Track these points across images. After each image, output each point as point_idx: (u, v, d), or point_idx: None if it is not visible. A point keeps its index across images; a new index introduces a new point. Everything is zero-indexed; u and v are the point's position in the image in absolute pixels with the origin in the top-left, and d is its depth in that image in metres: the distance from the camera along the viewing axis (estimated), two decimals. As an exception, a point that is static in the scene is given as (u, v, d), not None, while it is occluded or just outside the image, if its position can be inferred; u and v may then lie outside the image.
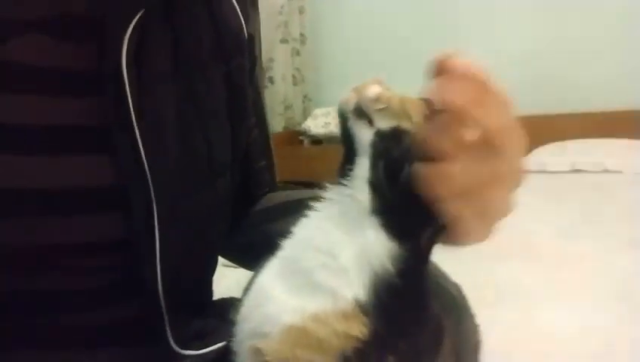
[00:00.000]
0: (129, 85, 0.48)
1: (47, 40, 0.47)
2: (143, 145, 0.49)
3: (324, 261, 0.37)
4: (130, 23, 0.48)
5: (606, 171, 2.20)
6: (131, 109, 0.48)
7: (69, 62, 0.48)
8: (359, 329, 0.35)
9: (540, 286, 1.04)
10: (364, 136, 0.38)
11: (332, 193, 0.39)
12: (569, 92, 2.68)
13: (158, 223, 0.50)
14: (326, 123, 3.15)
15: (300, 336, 0.35)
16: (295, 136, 3.34)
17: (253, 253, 0.68)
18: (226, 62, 0.59)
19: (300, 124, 3.38)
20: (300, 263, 0.38)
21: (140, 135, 0.49)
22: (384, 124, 0.37)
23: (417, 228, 0.36)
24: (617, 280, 1.05)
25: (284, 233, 0.40)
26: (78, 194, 0.48)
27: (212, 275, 0.66)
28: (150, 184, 0.49)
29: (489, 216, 0.36)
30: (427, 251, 0.38)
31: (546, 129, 2.63)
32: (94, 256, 0.49)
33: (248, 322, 0.39)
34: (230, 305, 0.41)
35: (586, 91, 2.65)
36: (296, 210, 0.55)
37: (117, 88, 0.48)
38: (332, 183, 0.40)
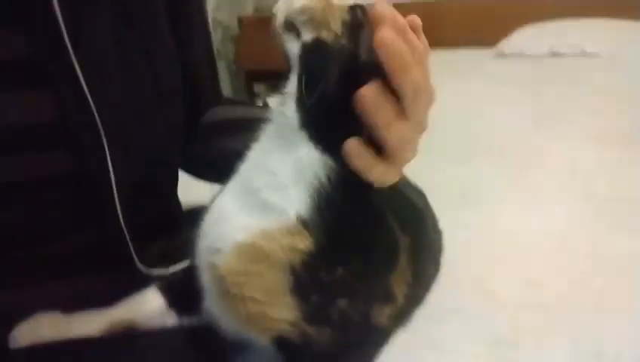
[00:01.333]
0: (61, 12, 0.44)
1: None
2: (83, 77, 0.46)
3: (268, 180, 0.38)
4: None
5: (584, 54, 2.16)
6: (66, 38, 0.45)
7: None
8: (303, 243, 0.36)
9: (504, 187, 1.04)
10: (293, 50, 0.37)
11: (271, 112, 0.40)
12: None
13: (110, 156, 0.48)
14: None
15: (250, 252, 0.37)
16: (266, 22, 3.18)
17: (203, 165, 0.69)
18: None
19: (271, 7, 3.20)
20: (249, 184, 0.39)
21: (79, 65, 0.46)
22: (308, 35, 0.36)
23: (343, 139, 0.36)
24: (580, 179, 1.06)
25: (231, 150, 0.41)
26: (21, 132, 0.46)
27: (175, 192, 0.66)
28: (96, 117, 0.47)
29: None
30: None
31: (523, 7, 2.54)
32: (47, 190, 0.48)
33: (206, 239, 0.41)
34: (200, 214, 0.43)
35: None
36: (241, 127, 0.54)
37: (47, 16, 0.44)
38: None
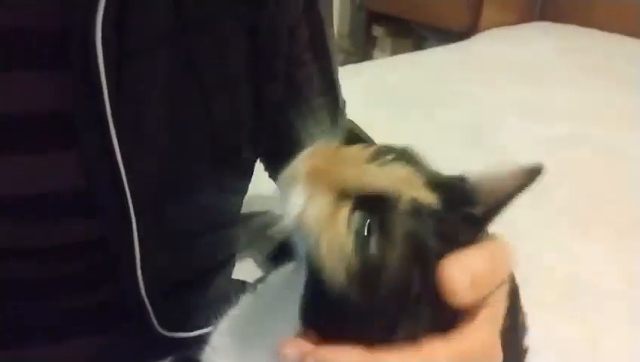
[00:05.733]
0: (105, 57, 0.36)
1: None
2: (117, 137, 0.38)
3: None
4: None
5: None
6: (104, 89, 0.36)
7: (26, 21, 0.36)
8: None
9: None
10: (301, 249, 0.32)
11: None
12: None
13: (137, 229, 0.42)
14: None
15: None
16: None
17: None
18: (252, 13, 0.43)
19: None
20: None
21: (114, 122, 0.38)
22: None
23: None
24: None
25: None
26: (40, 201, 0.40)
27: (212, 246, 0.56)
28: (125, 186, 0.40)
29: None
30: None
31: None
32: (67, 253, 0.44)
33: None
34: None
35: None
36: None
37: (87, 59, 0.36)
38: None
